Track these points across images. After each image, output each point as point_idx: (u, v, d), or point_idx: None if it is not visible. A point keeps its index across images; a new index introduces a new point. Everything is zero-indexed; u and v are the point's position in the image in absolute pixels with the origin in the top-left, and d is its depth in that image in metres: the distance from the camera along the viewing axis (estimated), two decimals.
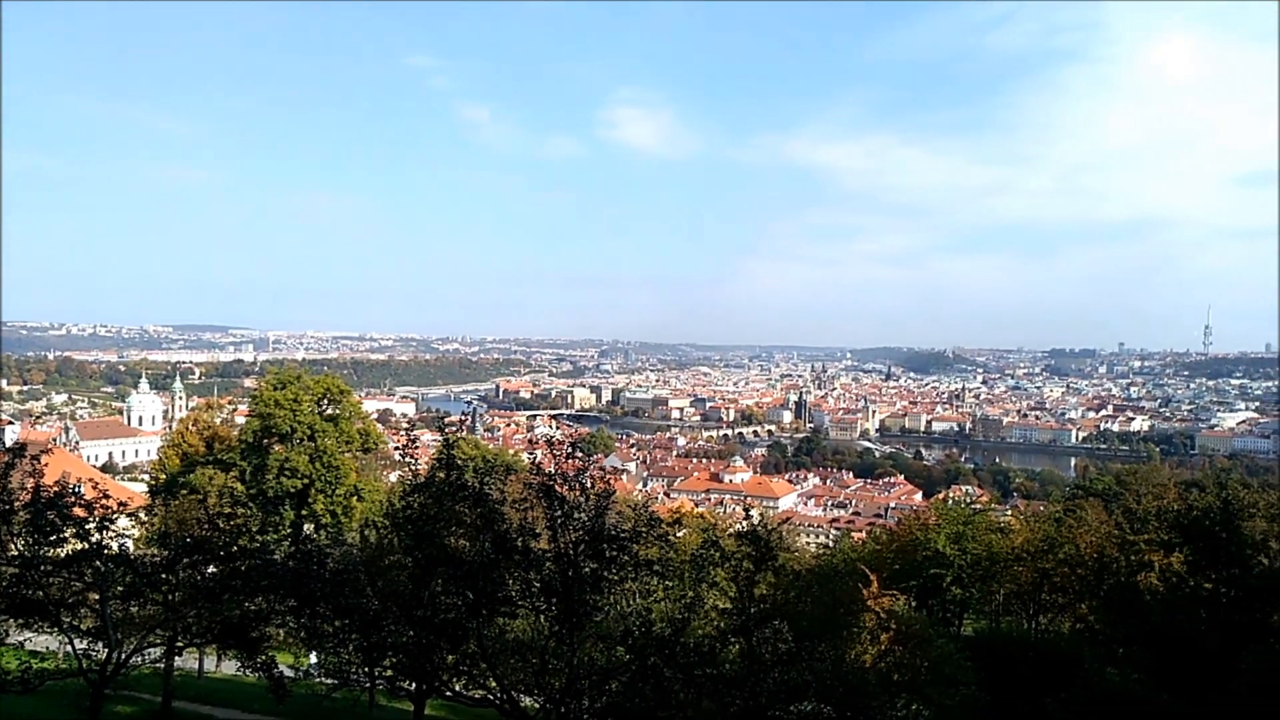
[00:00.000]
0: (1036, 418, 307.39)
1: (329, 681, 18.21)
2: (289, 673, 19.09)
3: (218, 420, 61.25)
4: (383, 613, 16.90)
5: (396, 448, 28.84)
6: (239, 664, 18.87)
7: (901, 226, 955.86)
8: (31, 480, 18.10)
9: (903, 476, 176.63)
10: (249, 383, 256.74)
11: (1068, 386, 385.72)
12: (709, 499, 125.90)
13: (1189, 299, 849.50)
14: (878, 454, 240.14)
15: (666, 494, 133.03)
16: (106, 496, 18.64)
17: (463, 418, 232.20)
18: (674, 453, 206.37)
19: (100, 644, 17.51)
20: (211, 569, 18.66)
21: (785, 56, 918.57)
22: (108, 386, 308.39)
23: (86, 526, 17.59)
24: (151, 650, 19.32)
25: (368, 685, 19.67)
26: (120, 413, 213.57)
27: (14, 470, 18.18)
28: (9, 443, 21.71)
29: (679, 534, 38.02)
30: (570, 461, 16.88)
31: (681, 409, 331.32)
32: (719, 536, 24.54)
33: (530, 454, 19.07)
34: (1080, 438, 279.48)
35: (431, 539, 16.29)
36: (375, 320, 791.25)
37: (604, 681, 15.55)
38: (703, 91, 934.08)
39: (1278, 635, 22.41)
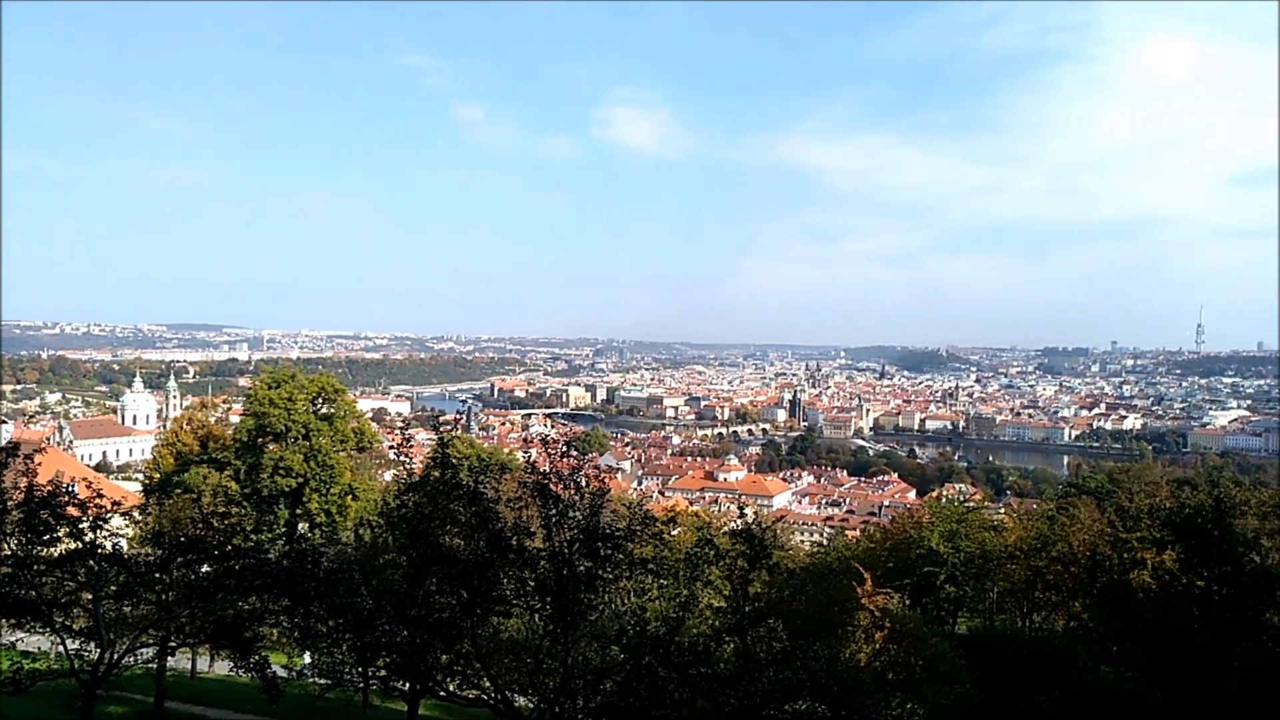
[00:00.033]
0: (1030, 416, 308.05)
1: (322, 681, 18.17)
2: (282, 673, 19.04)
3: (212, 419, 61.23)
4: (377, 612, 16.87)
5: (391, 447, 28.87)
6: (232, 664, 18.79)
7: (895, 226, 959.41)
8: (25, 479, 18.01)
9: (896, 475, 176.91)
10: (243, 382, 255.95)
11: (1061, 385, 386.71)
12: (703, 497, 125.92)
13: (1181, 298, 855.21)
14: (871, 452, 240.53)
15: (661, 492, 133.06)
16: (100, 496, 18.54)
17: (458, 416, 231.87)
18: (669, 451, 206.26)
19: (93, 644, 17.44)
20: (205, 568, 18.60)
21: (780, 56, 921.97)
22: (102, 385, 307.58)
23: (80, 526, 17.50)
24: (144, 650, 19.24)
25: (361, 685, 19.64)
26: (114, 412, 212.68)
27: (7, 469, 18.09)
28: (2, 442, 21.57)
29: (673, 533, 38.03)
30: (565, 460, 16.88)
31: (676, 408, 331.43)
32: (713, 535, 24.61)
33: (525, 453, 19.04)
34: (1073, 436, 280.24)
35: (426, 538, 16.27)
36: (370, 319, 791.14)
37: (599, 681, 15.54)
38: (699, 91, 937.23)
39: (1270, 632, 22.53)
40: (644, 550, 16.44)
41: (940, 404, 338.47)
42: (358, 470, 52.32)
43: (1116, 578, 27.25)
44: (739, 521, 24.53)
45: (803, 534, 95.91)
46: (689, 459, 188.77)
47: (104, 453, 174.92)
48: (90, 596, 17.60)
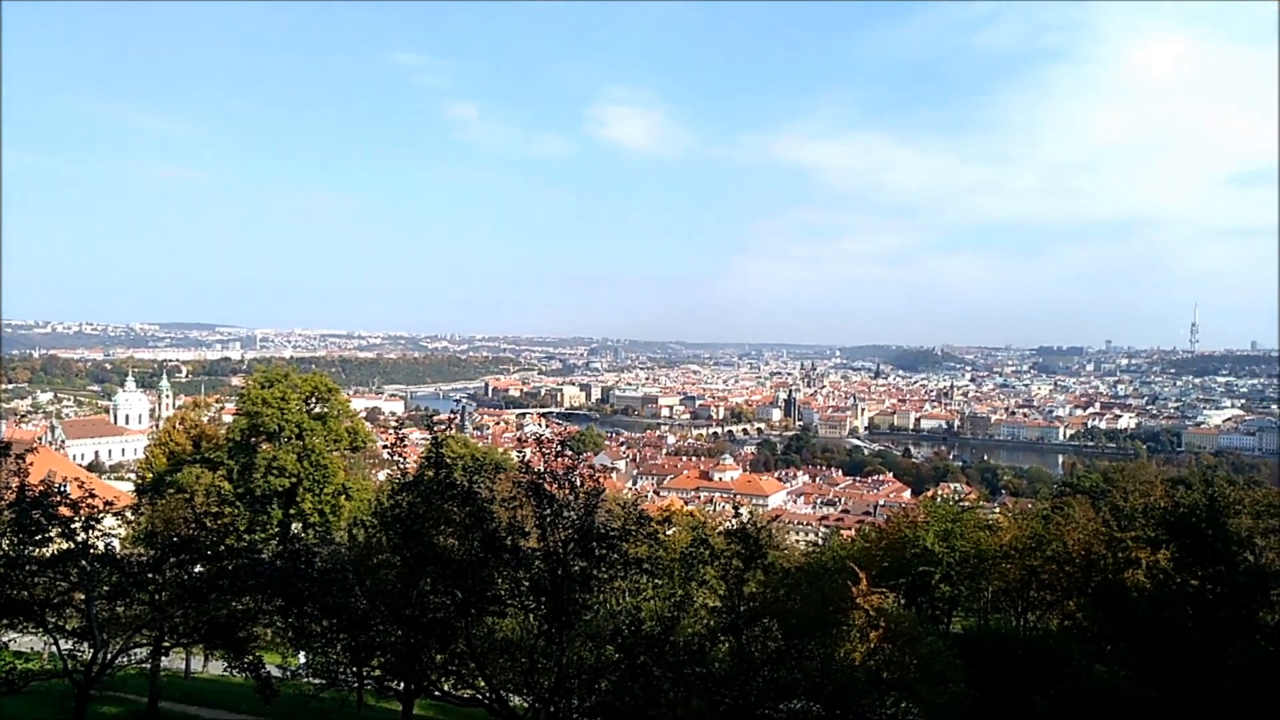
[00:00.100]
0: (1024, 415, 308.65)
1: (317, 681, 18.13)
2: (276, 673, 19.00)
3: (205, 419, 61.14)
4: (371, 612, 16.83)
5: (385, 446, 28.76)
6: (226, 664, 18.75)
7: (890, 225, 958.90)
8: (16, 479, 17.95)
9: (891, 474, 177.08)
10: (236, 381, 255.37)
11: (1055, 384, 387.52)
12: (698, 497, 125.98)
13: (1176, 297, 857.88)
14: (866, 452, 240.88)
15: (656, 492, 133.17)
16: (92, 495, 18.51)
17: (451, 416, 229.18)
18: (663, 451, 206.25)
19: (86, 644, 17.38)
20: (198, 568, 18.53)
21: (775, 55, 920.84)
22: (94, 385, 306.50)
23: (72, 526, 17.45)
24: (138, 650, 19.19)
25: (355, 685, 19.60)
26: (106, 411, 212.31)
27: None
28: None
29: (668, 532, 38.07)
30: (559, 460, 16.83)
31: (671, 407, 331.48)
32: (708, 535, 24.59)
33: (519, 452, 19.01)
34: (1068, 435, 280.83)
35: (420, 538, 16.22)
36: (364, 318, 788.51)
37: (593, 680, 15.52)
38: (693, 90, 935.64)
39: (1263, 631, 22.57)
40: (639, 550, 16.43)
41: (935, 403, 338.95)
42: (351, 470, 52.25)
43: (1111, 577, 27.32)
44: (734, 521, 24.56)
45: (798, 533, 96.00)
46: (684, 458, 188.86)
47: (96, 452, 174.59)
48: (83, 597, 17.53)
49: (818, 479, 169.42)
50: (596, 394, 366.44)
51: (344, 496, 46.69)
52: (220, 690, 28.34)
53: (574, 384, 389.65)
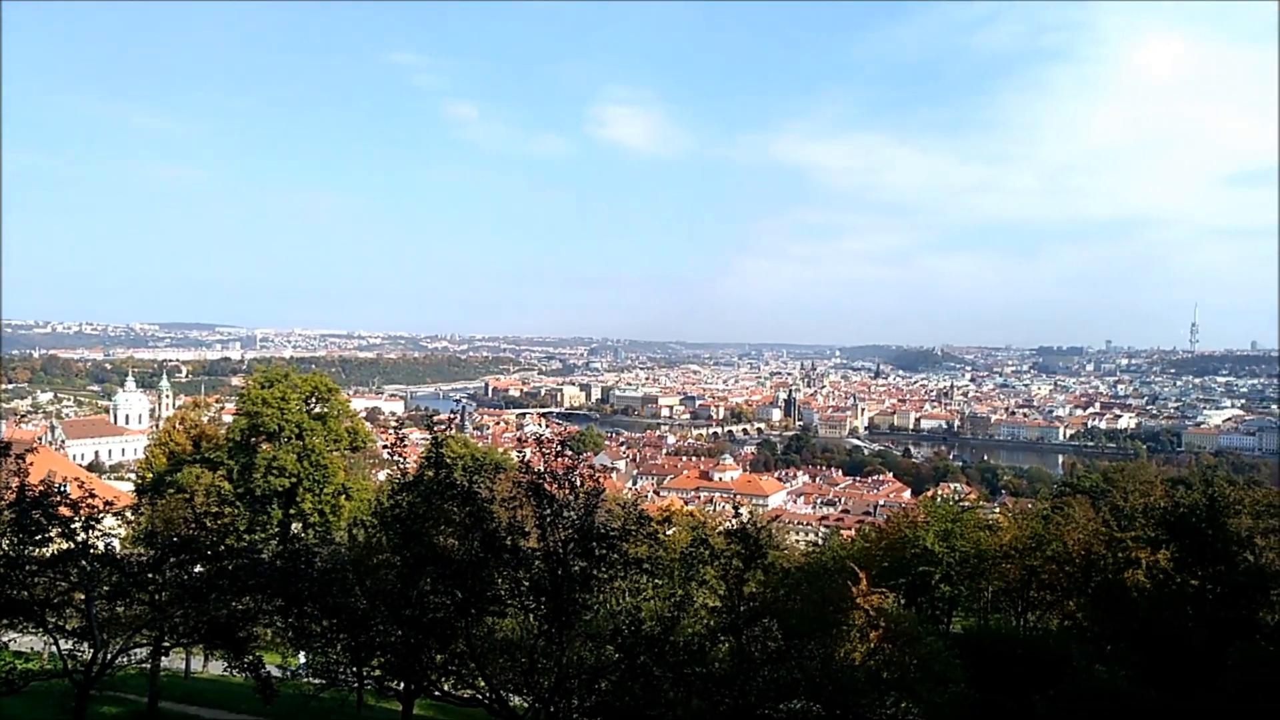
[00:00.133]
0: (1024, 415, 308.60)
1: (317, 681, 18.13)
2: (276, 673, 19.00)
3: (205, 419, 61.11)
4: (371, 612, 16.82)
5: (385, 446, 28.76)
6: (226, 664, 18.74)
7: (890, 225, 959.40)
8: (16, 479, 17.94)
9: (891, 474, 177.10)
10: (236, 381, 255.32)
11: (1055, 384, 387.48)
12: (698, 497, 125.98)
13: (1175, 297, 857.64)
14: (866, 452, 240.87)
15: (656, 492, 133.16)
16: (92, 495, 18.50)
17: (451, 416, 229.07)
18: (663, 451, 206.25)
19: (86, 644, 17.38)
20: (198, 568, 18.53)
21: (774, 55, 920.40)
22: (94, 385, 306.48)
23: (72, 526, 17.45)
24: (137, 650, 19.18)
25: (356, 685, 19.59)
26: (106, 411, 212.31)
27: None
28: None
29: (668, 532, 38.08)
30: (559, 460, 16.83)
31: (671, 407, 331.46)
32: (708, 535, 24.59)
33: (519, 452, 19.00)
34: (1068, 435, 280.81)
35: (420, 538, 16.22)
36: (364, 318, 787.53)
37: (593, 680, 15.52)
38: (693, 90, 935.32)
39: (1263, 631, 22.56)
40: (639, 550, 16.43)
41: (935, 403, 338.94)
42: (351, 470, 52.27)
43: (1111, 577, 27.32)
44: (734, 521, 24.57)
45: (798, 533, 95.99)
46: (684, 458, 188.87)
47: (96, 452, 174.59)
48: (83, 597, 17.53)
49: (818, 479, 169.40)
50: (596, 394, 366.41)
51: (344, 496, 46.70)
52: (220, 690, 28.34)
53: (574, 384, 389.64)
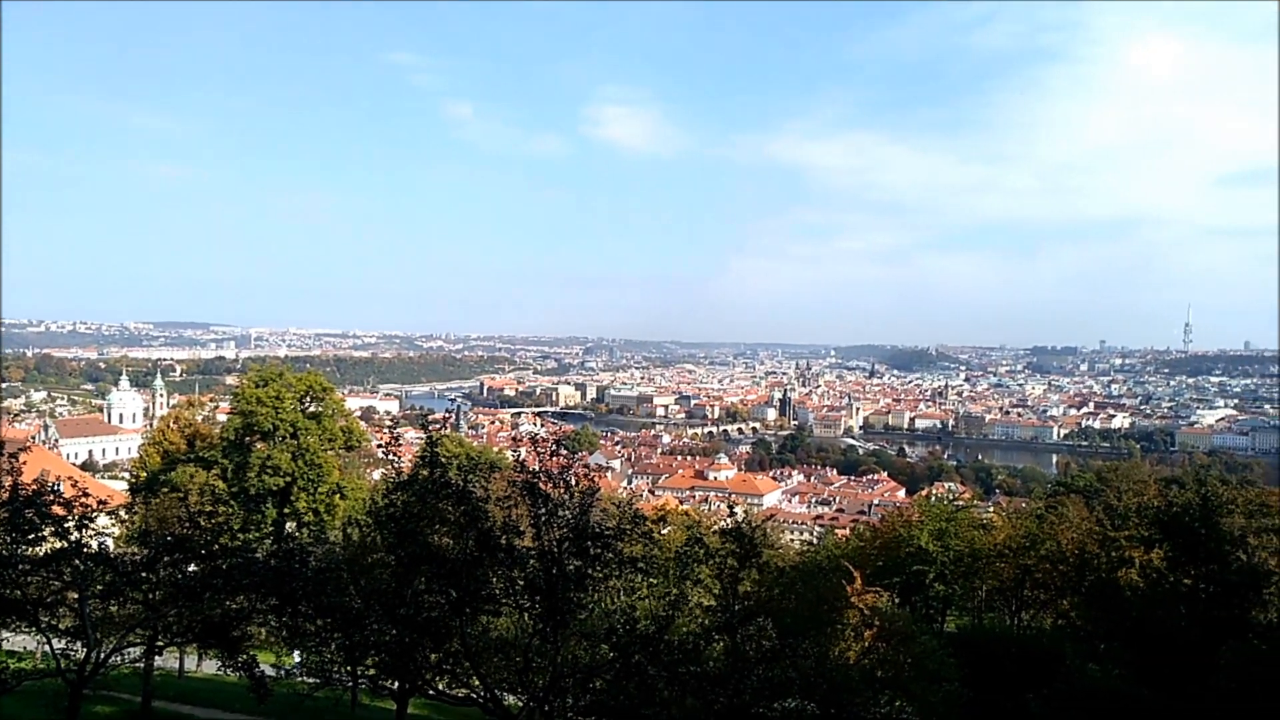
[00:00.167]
0: (1018, 415, 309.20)
1: (311, 681, 18.09)
2: (270, 672, 18.96)
3: (199, 418, 61.06)
4: (365, 611, 16.79)
5: (379, 445, 28.69)
6: (220, 663, 18.69)
7: (886, 225, 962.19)
8: (9, 478, 17.88)
9: (886, 473, 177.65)
10: (230, 380, 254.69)
11: (1049, 384, 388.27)
12: (693, 496, 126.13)
13: (1170, 297, 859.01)
14: (861, 451, 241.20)
15: (651, 491, 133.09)
16: (86, 494, 18.43)
17: (447, 415, 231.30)
18: (659, 450, 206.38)
19: (79, 643, 17.32)
20: (192, 568, 18.49)
21: (770, 55, 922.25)
22: (87, 384, 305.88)
23: (65, 525, 17.38)
24: (131, 650, 19.12)
25: (350, 684, 19.57)
26: (100, 410, 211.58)
27: None
28: None
29: (663, 531, 38.09)
30: (554, 459, 16.81)
31: (666, 406, 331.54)
32: (703, 534, 24.57)
33: (514, 451, 18.98)
34: (1062, 435, 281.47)
35: (415, 537, 16.20)
36: (359, 317, 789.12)
37: (588, 679, 15.51)
38: (689, 89, 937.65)
39: (1256, 630, 22.65)
40: (634, 549, 16.42)
41: (930, 403, 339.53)
42: (346, 469, 52.18)
43: (1104, 576, 27.40)
44: (729, 520, 24.48)
45: (792, 533, 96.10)
46: (679, 458, 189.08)
47: (90, 451, 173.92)
48: (76, 596, 17.48)
49: (812, 478, 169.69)
50: (592, 393, 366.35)
51: (338, 496, 46.60)
52: (214, 689, 28.28)
53: (569, 383, 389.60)
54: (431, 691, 17.54)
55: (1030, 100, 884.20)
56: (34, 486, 17.81)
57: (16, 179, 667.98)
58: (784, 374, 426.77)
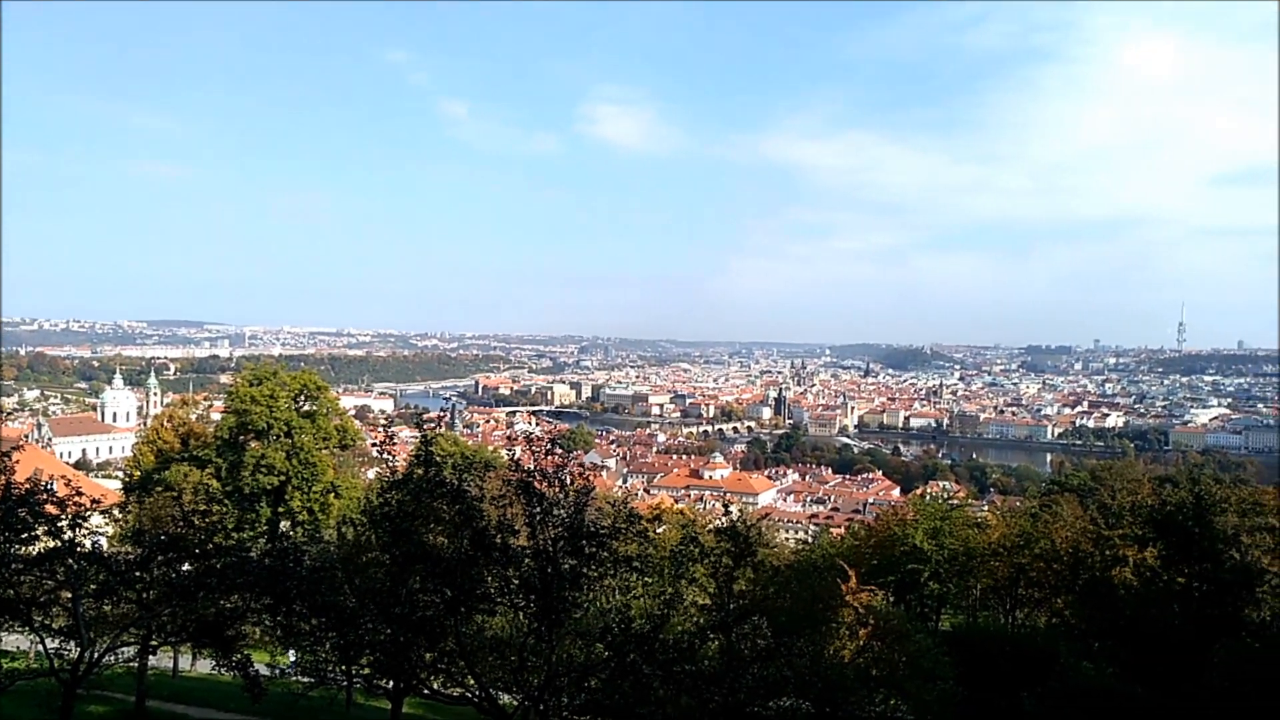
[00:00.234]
0: (1013, 414, 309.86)
1: (305, 680, 18.06)
2: (265, 671, 18.93)
3: (193, 416, 60.73)
4: (360, 610, 16.75)
5: (374, 444, 28.69)
6: (214, 663, 18.66)
7: (880, 224, 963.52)
8: (2, 477, 17.81)
9: (881, 472, 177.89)
10: (225, 379, 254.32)
11: (1044, 383, 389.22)
12: (689, 495, 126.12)
13: (1163, 296, 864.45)
14: (856, 450, 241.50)
15: (646, 490, 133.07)
16: (79, 493, 18.35)
17: (441, 414, 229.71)
18: (654, 449, 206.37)
19: (72, 643, 17.26)
20: (186, 567, 18.43)
21: (765, 54, 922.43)
22: (81, 382, 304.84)
23: (59, 524, 17.31)
24: (125, 649, 19.07)
25: (345, 683, 19.54)
26: (94, 409, 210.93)
27: None
28: None
29: (659, 530, 38.08)
30: (549, 458, 16.79)
31: (661, 405, 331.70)
32: (698, 533, 24.61)
33: (509, 450, 18.94)
34: (1056, 434, 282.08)
35: (409, 536, 16.17)
36: (353, 316, 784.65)
37: (583, 678, 15.51)
38: (684, 88, 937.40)
39: (1249, 628, 22.72)
40: (629, 548, 16.41)
41: (924, 402, 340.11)
42: (340, 468, 52.08)
43: (1098, 574, 27.46)
44: (724, 519, 24.56)
45: (787, 531, 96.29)
46: (674, 456, 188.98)
47: (83, 450, 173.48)
48: (69, 595, 17.42)
49: (807, 477, 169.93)
50: (587, 392, 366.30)
51: (333, 495, 46.56)
52: (208, 689, 28.24)
53: (564, 382, 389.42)
54: (426, 691, 17.50)
55: (1024, 100, 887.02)
56: (27, 485, 17.73)
57: (16, 179, 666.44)
58: (779, 373, 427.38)
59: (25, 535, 17.15)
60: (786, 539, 75.39)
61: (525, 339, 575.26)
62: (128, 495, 44.48)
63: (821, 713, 16.67)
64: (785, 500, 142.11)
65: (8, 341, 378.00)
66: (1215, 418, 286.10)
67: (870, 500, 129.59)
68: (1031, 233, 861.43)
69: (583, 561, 15.61)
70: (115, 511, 26.12)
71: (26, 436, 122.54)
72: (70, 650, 17.30)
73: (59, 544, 17.09)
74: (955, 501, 42.93)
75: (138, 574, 17.78)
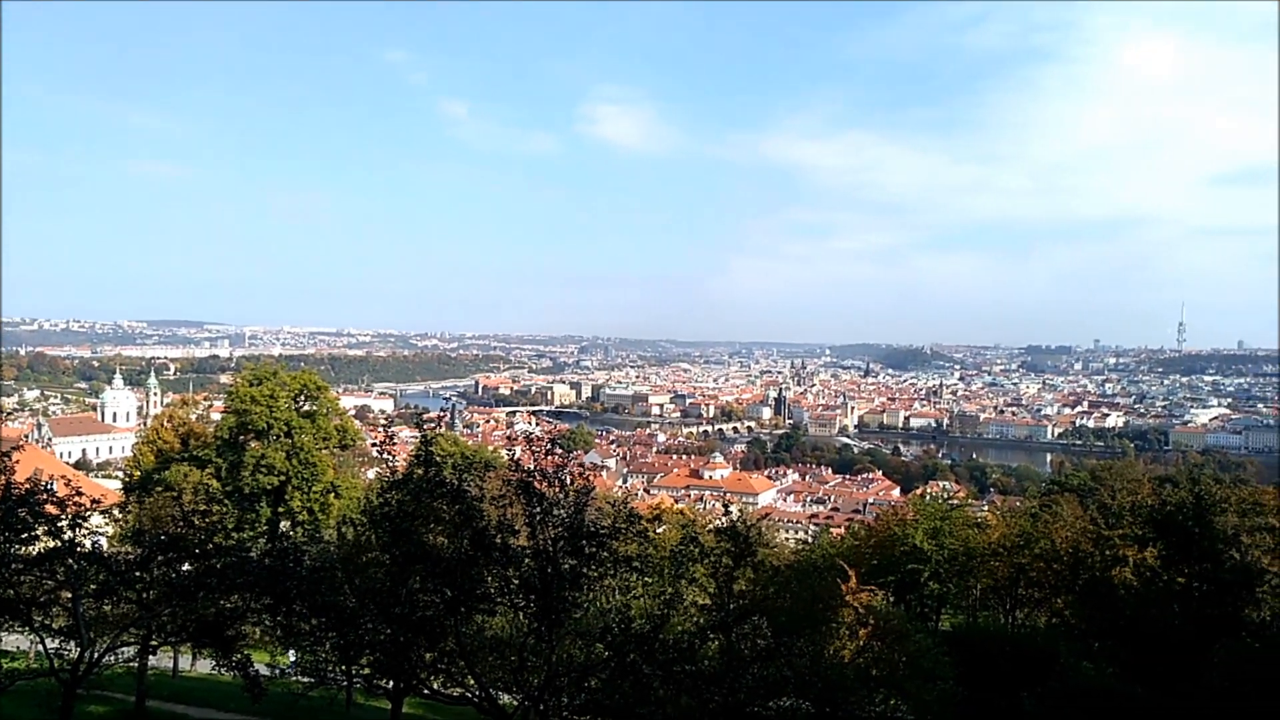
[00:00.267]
0: (1013, 414, 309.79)
1: (305, 680, 18.06)
2: (265, 671, 18.92)
3: (193, 416, 60.72)
4: (360, 610, 16.75)
5: (374, 444, 28.69)
6: (214, 663, 18.66)
7: (880, 224, 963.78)
8: (2, 477, 17.81)
9: (881, 472, 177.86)
10: (225, 379, 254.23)
11: (1044, 383, 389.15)
12: (689, 495, 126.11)
13: (1163, 296, 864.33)
14: (856, 450, 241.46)
15: (646, 490, 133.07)
16: (79, 493, 18.35)
17: (441, 414, 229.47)
18: (654, 449, 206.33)
19: (72, 643, 17.26)
20: (186, 567, 18.43)
21: (764, 54, 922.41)
22: (81, 382, 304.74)
23: (59, 524, 17.31)
24: (125, 649, 19.07)
25: (345, 683, 19.54)
26: (94, 409, 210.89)
27: None
28: None
29: (658, 530, 38.09)
30: (549, 458, 16.79)
31: (661, 405, 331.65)
32: (698, 533, 24.61)
33: (509, 450, 18.95)
34: (1056, 434, 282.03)
35: (409, 536, 16.16)
36: (353, 316, 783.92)
37: (583, 678, 15.50)
38: (683, 88, 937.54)
39: (1249, 628, 22.72)
40: (629, 548, 16.40)
41: (924, 402, 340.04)
42: (340, 468, 52.08)
43: (1098, 574, 27.46)
44: (724, 519, 24.56)
45: (787, 531, 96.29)
46: (674, 456, 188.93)
47: (83, 450, 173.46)
48: (70, 595, 17.42)
49: (807, 477, 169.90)
50: (587, 392, 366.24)
51: (333, 494, 46.55)
52: (208, 689, 28.24)
53: (564, 382, 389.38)
54: (426, 691, 17.50)
55: (1023, 100, 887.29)
56: (27, 485, 17.73)
57: (16, 179, 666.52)
58: (779, 373, 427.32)
59: (25, 535, 17.14)
60: (786, 539, 75.40)
61: (525, 339, 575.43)
62: (128, 495, 44.46)
63: (821, 713, 16.66)
64: (785, 500, 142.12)
65: (8, 341, 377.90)
66: (1215, 418, 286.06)
67: (870, 500, 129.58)
68: (1031, 233, 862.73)
69: (583, 561, 15.60)
70: (115, 511, 26.11)
71: (26, 436, 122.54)
72: (70, 650, 17.31)
73: (59, 544, 17.09)
74: (955, 501, 42.92)
75: (138, 574, 17.78)
